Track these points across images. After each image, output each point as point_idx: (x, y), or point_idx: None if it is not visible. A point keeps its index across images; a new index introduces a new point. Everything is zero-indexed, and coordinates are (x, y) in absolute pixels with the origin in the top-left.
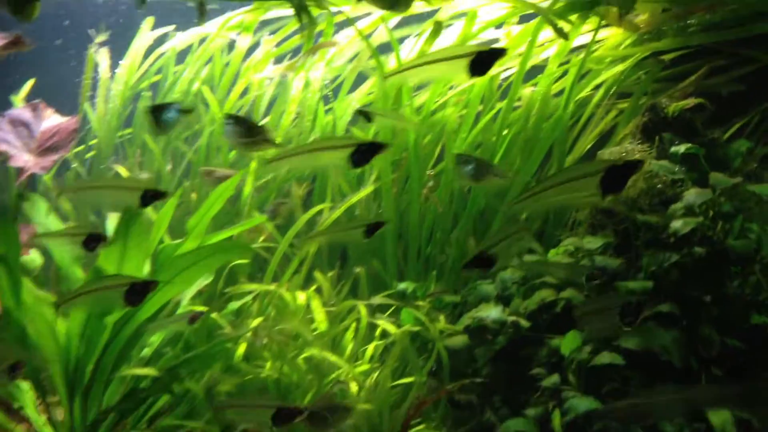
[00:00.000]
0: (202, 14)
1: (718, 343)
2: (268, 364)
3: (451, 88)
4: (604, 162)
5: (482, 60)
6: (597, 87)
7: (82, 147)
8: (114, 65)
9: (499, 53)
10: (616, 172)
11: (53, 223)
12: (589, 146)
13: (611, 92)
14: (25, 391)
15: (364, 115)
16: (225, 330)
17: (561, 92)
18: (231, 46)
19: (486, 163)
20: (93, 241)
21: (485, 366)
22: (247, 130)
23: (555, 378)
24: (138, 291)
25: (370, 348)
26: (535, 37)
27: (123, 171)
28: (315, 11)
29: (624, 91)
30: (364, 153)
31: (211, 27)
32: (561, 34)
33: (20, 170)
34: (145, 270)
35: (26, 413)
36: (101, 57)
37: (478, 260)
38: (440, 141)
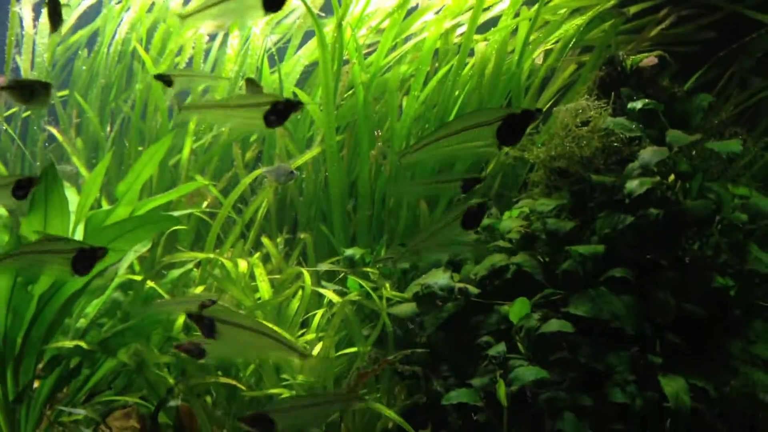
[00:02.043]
0: None
1: (674, 308)
2: None
3: (405, 42)
4: (501, 111)
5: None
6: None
7: (15, 108)
8: (39, 18)
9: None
10: (513, 122)
11: None
12: (549, 103)
13: (570, 45)
14: None
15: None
16: (162, 300)
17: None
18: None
19: None
20: (22, 188)
21: (433, 334)
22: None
23: (501, 347)
24: (85, 258)
25: (317, 317)
26: None
27: (57, 133)
28: None
29: (588, 44)
30: (279, 112)
31: None
32: None
33: None
34: (76, 237)
35: None
36: (25, 11)
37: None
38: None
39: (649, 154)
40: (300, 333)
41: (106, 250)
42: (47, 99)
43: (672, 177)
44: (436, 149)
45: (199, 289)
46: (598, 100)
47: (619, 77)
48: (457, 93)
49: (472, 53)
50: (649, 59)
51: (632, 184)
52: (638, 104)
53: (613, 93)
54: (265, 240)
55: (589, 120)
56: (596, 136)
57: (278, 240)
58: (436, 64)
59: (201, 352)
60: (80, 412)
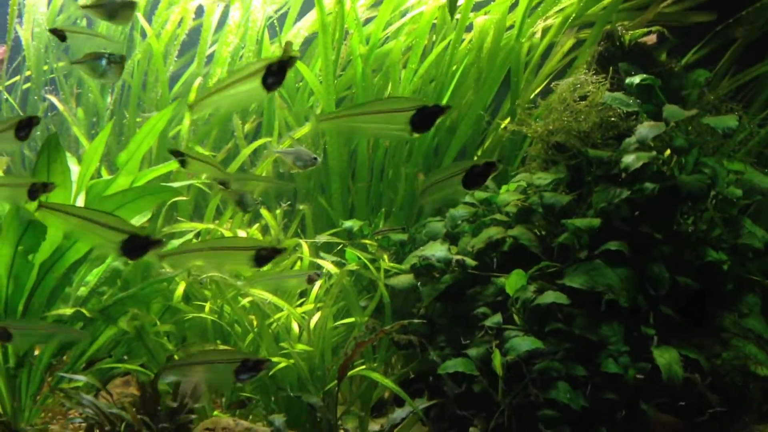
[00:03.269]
0: None
1: (668, 281)
2: (208, 305)
3: (403, 16)
4: (417, 100)
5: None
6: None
7: (17, 78)
8: None
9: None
10: (425, 113)
11: None
12: (548, 78)
13: (570, 20)
14: None
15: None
16: (162, 269)
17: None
18: None
19: None
20: (24, 128)
21: (430, 306)
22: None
23: (497, 318)
24: (138, 246)
25: (315, 288)
26: None
27: (57, 103)
28: None
29: (589, 20)
30: (275, 75)
31: None
32: None
33: None
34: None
35: None
36: None
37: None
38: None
39: (645, 128)
40: (299, 303)
41: (161, 243)
42: (131, 16)
43: (668, 152)
44: (354, 122)
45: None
46: (597, 74)
47: (618, 52)
48: (454, 67)
49: (470, 28)
50: (649, 37)
51: (629, 159)
52: (636, 79)
53: (611, 68)
54: (263, 211)
55: (588, 95)
56: (594, 110)
57: (277, 212)
58: (434, 38)
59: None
60: (81, 379)
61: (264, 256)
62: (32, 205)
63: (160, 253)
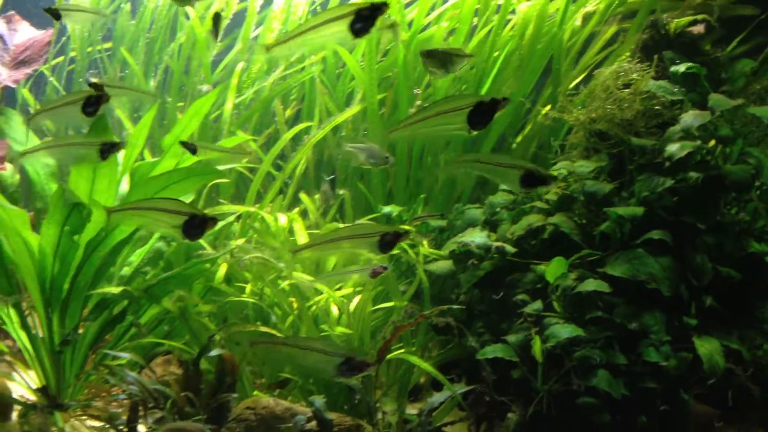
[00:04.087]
0: None
1: (711, 271)
2: (249, 287)
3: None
4: (472, 97)
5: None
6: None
7: (61, 58)
8: None
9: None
10: (482, 108)
11: (29, 138)
12: (591, 67)
13: (613, 7)
14: (8, 308)
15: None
16: (204, 251)
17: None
18: None
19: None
20: (92, 104)
21: (469, 292)
22: None
23: (538, 304)
24: (196, 225)
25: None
26: None
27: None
28: None
29: (632, 9)
30: (366, 17)
31: None
32: None
33: None
34: (122, 189)
35: (8, 329)
36: None
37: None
38: None
39: (690, 117)
40: (337, 287)
41: (215, 221)
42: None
43: (712, 141)
44: (418, 128)
45: (238, 242)
46: (641, 63)
47: (663, 41)
48: (496, 53)
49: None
50: (697, 27)
51: (673, 148)
52: (681, 68)
53: (655, 56)
54: (303, 196)
55: (631, 83)
56: (638, 98)
57: (316, 197)
58: (475, 22)
59: None
60: (125, 356)
61: (389, 241)
62: (82, 184)
63: (292, 249)
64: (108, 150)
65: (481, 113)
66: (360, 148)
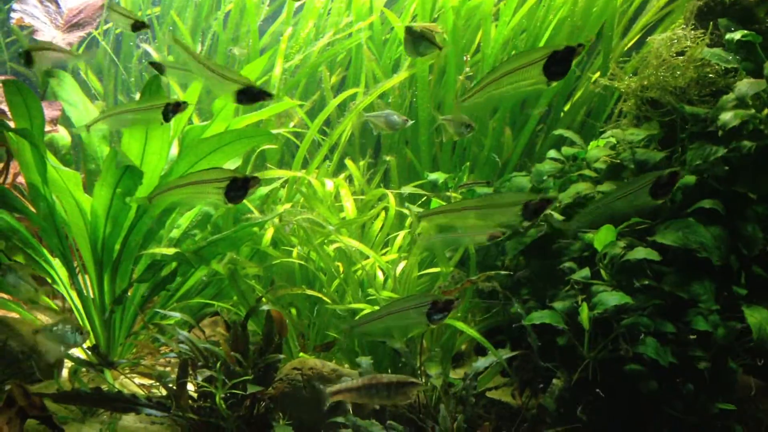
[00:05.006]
0: None
1: (762, 241)
2: (295, 251)
3: None
4: (545, 49)
5: None
6: None
7: (110, 24)
8: None
9: None
10: (558, 57)
11: (81, 101)
12: (641, 33)
13: None
14: (58, 267)
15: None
16: (252, 215)
17: None
18: None
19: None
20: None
21: (514, 259)
22: None
23: (585, 272)
24: (239, 186)
25: (399, 237)
26: None
27: (152, 51)
28: None
29: None
30: (559, 63)
31: None
32: None
33: None
34: (172, 152)
35: (59, 289)
36: None
37: None
38: (480, 27)
39: (745, 86)
40: (383, 252)
41: (258, 179)
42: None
43: (766, 110)
44: (491, 90)
45: (285, 206)
46: (695, 30)
47: (718, 7)
48: (550, 17)
49: None
50: None
51: (726, 116)
52: (736, 35)
53: (710, 23)
54: (348, 162)
55: (684, 50)
56: (691, 66)
57: (361, 163)
58: None
59: None
60: (175, 315)
61: (534, 209)
62: (130, 151)
63: (419, 214)
64: (173, 111)
65: (558, 62)
66: (378, 116)
